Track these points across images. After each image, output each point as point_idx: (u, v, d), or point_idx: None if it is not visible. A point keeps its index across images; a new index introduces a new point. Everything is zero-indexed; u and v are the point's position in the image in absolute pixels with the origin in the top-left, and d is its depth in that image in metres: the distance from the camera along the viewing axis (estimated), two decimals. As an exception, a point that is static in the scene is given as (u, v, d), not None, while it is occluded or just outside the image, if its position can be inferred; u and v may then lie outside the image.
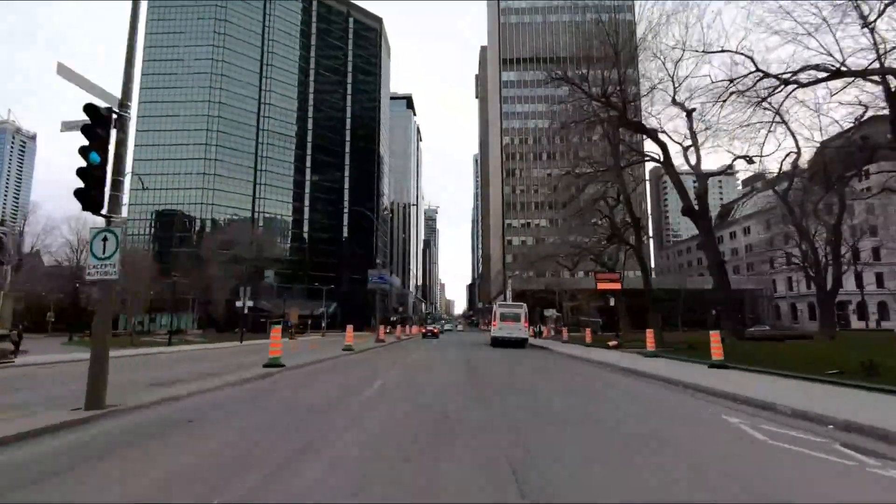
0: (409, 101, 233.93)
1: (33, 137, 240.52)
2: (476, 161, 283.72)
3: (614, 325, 45.67)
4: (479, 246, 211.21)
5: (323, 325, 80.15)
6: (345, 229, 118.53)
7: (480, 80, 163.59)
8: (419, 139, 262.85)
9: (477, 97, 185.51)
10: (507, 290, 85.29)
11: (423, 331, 66.44)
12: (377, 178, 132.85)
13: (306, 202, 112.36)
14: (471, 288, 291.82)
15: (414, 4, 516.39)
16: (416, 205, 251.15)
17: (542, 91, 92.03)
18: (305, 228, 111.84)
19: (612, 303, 36.85)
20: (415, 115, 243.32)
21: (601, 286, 28.37)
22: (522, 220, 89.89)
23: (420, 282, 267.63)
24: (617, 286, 28.08)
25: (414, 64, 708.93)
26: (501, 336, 33.42)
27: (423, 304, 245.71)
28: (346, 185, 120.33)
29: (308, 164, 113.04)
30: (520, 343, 32.44)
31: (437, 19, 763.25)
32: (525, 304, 37.50)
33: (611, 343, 25.63)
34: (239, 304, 38.51)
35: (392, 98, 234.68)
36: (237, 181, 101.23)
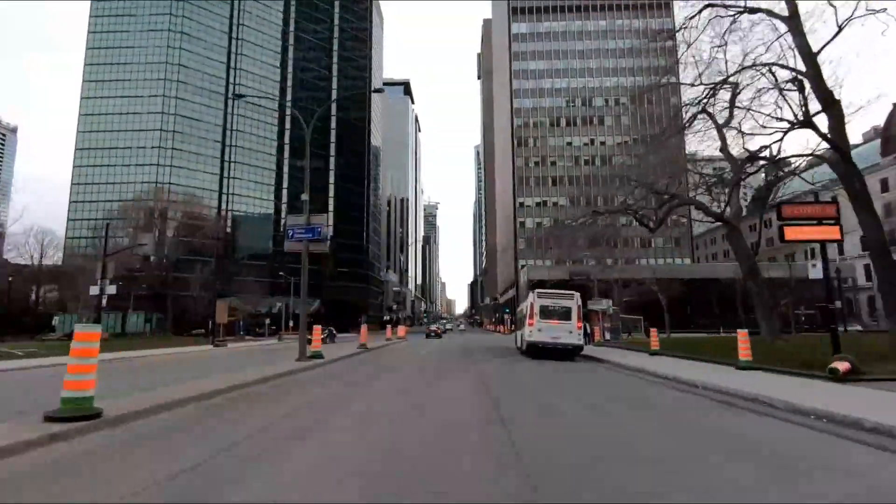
0: (406, 87, 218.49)
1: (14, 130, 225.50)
2: (477, 153, 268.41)
3: (657, 323, 31.16)
4: (483, 240, 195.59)
5: (291, 324, 64.25)
6: (330, 218, 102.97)
7: (483, 56, 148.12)
8: (418, 129, 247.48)
9: (479, 77, 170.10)
10: (519, 281, 69.69)
11: (427, 331, 58.87)
12: (368, 162, 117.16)
13: (284, 185, 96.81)
14: (473, 286, 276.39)
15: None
16: (415, 198, 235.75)
17: (560, 44, 76.66)
18: (284, 215, 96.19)
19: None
20: (413, 102, 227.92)
21: (795, 234, 12.28)
22: (537, 199, 74.44)
23: (420, 280, 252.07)
24: (833, 233, 12.07)
25: (413, 59, 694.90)
26: (544, 342, 21.46)
27: (423, 303, 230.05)
28: (332, 168, 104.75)
29: (286, 140, 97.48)
30: (571, 352, 21.06)
31: (437, 10, 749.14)
32: (577, 294, 22.33)
33: (840, 366, 9.81)
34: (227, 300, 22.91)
35: (388, 84, 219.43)
36: (201, 157, 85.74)
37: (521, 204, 74.72)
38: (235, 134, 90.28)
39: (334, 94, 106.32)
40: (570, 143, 75.50)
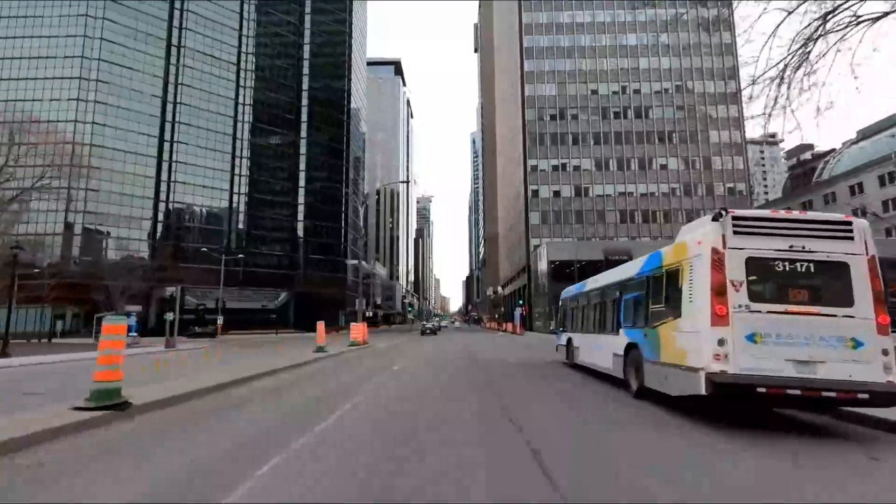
0: (397, 67, 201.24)
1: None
2: (473, 141, 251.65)
3: None
4: (480, 231, 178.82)
5: (219, 322, 47.34)
6: (301, 207, 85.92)
7: (481, 23, 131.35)
8: (410, 114, 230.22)
9: (476, 50, 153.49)
10: (533, 264, 53.07)
11: (423, 328, 53.04)
12: (347, 140, 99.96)
13: (244, 167, 79.52)
14: (468, 282, 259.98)
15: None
16: (407, 186, 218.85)
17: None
18: (243, 195, 78.94)
19: None
20: (404, 84, 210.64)
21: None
22: (554, 161, 57.91)
23: (413, 276, 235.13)
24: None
25: (405, 45, 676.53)
26: (782, 377, 5.71)
27: (416, 299, 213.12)
28: (303, 151, 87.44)
29: (247, 109, 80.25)
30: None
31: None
32: (862, 224, 3.83)
33: None
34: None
35: (376, 63, 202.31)
36: (135, 115, 68.39)
37: (534, 168, 58.14)
38: (181, 90, 72.98)
39: (307, 67, 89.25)
40: (594, 92, 58.88)
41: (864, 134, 71.82)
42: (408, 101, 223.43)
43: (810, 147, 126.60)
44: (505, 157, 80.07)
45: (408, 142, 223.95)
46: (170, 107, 71.95)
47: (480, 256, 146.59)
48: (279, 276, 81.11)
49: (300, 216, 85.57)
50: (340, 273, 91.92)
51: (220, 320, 46.28)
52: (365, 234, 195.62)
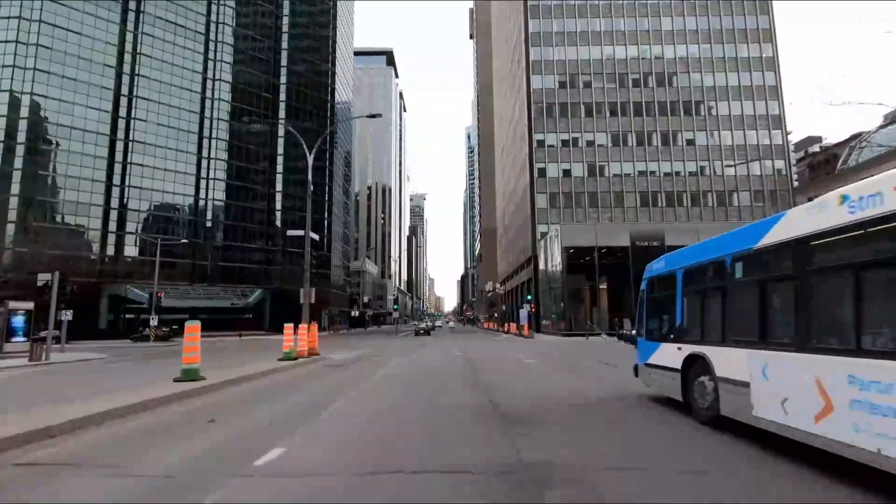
0: (389, 57, 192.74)
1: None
2: (468, 136, 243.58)
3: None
4: (476, 227, 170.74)
5: (153, 324, 38.68)
6: (279, 196, 77.21)
7: (477, 5, 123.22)
8: (403, 108, 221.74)
9: (472, 37, 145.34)
10: (542, 253, 44.87)
11: (417, 329, 49.86)
12: (331, 124, 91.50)
13: (214, 149, 70.75)
14: (463, 281, 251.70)
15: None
16: (400, 184, 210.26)
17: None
18: (213, 181, 70.15)
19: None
20: (396, 76, 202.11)
21: None
22: (563, 135, 49.62)
23: (406, 275, 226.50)
24: None
25: (398, 38, 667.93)
26: None
27: (409, 298, 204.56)
28: (281, 134, 78.72)
29: (218, 86, 71.48)
30: None
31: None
32: None
33: None
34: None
35: (367, 53, 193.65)
36: (83, 86, 59.46)
37: (541, 143, 49.88)
38: (140, 60, 64.11)
39: (286, 41, 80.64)
40: (610, 57, 50.75)
41: (894, 118, 64.24)
42: (400, 94, 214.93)
43: (818, 140, 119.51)
44: (505, 139, 71.85)
45: (401, 136, 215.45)
46: (126, 79, 63.08)
47: (476, 252, 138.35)
48: (253, 272, 72.34)
49: (277, 205, 76.91)
50: (324, 269, 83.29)
51: (153, 321, 37.50)
52: (356, 230, 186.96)
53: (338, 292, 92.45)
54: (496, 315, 61.44)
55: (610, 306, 35.50)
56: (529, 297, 37.82)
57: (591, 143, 49.89)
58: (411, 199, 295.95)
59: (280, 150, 78.17)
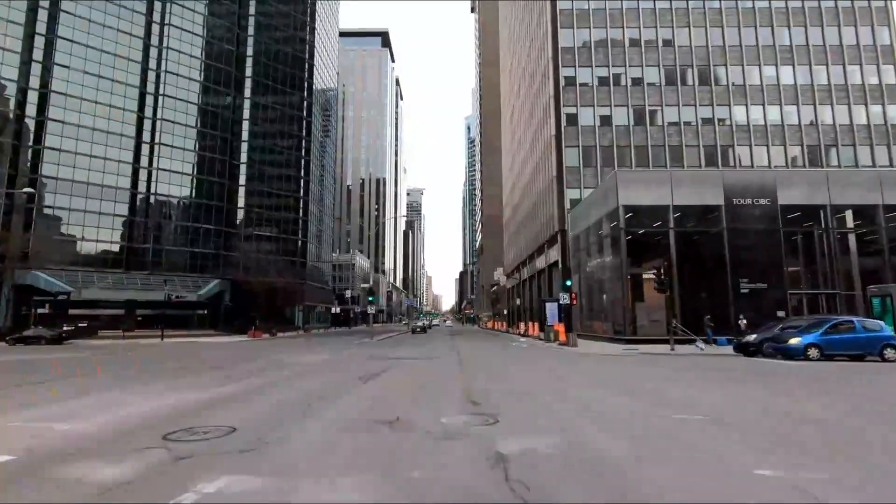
0: (384, 39, 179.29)
1: None
2: (468, 128, 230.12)
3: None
4: (477, 222, 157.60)
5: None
6: (242, 169, 63.80)
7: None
8: (399, 96, 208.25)
9: (473, 10, 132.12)
10: (571, 228, 31.54)
11: (414, 327, 49.73)
12: (307, 107, 78.49)
13: (161, 107, 57.37)
14: (462, 278, 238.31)
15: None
16: (396, 175, 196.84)
17: None
18: (157, 145, 56.71)
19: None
20: (393, 60, 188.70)
21: None
22: (601, 71, 36.26)
23: (402, 272, 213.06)
24: None
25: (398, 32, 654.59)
26: None
27: (404, 295, 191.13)
28: (246, 109, 65.26)
29: (165, 54, 58.05)
30: None
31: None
32: None
33: None
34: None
35: (360, 34, 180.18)
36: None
37: (570, 81, 36.47)
38: (61, 18, 50.72)
39: (252, 6, 67.37)
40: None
41: None
42: (397, 80, 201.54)
43: None
44: (517, 94, 58.55)
45: (397, 125, 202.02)
46: (39, 41, 49.58)
47: (477, 244, 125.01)
48: (207, 258, 58.98)
49: (242, 179, 63.51)
50: (298, 257, 69.96)
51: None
52: (349, 221, 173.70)
53: (318, 286, 79.09)
54: (505, 312, 48.05)
55: (686, 296, 22.47)
56: (569, 282, 24.31)
57: (637, 81, 36.53)
58: (408, 194, 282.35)
59: (245, 114, 64.84)
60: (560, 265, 35.07)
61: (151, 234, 55.03)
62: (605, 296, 25.87)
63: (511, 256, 62.34)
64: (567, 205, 35.23)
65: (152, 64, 56.74)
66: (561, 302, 22.70)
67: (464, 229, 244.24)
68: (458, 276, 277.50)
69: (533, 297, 44.49)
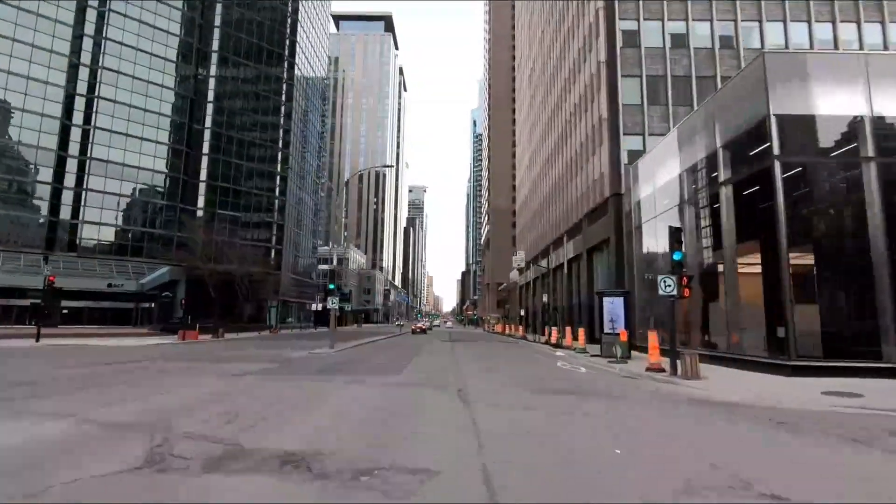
0: (387, 23, 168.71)
1: None
2: (474, 122, 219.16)
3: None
4: (484, 208, 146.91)
5: None
6: (207, 135, 52.88)
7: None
8: (403, 87, 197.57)
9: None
10: (635, 189, 20.18)
11: (414, 328, 47.35)
12: (288, 67, 67.76)
13: (101, 55, 46.59)
14: (464, 278, 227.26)
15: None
16: (398, 167, 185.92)
17: None
18: (94, 106, 45.85)
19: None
20: (396, 48, 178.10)
21: None
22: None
23: (402, 270, 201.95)
24: None
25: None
26: None
27: (402, 294, 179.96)
28: (213, 65, 54.48)
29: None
30: None
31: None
32: None
33: None
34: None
35: (361, 17, 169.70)
36: None
37: (628, -14, 25.61)
38: None
39: None
40: None
41: None
42: (400, 70, 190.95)
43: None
44: (539, 43, 47.58)
45: (399, 116, 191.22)
46: None
47: (482, 238, 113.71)
48: (156, 241, 48.07)
49: (205, 147, 52.54)
50: (273, 244, 58.99)
51: None
52: (346, 215, 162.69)
53: (298, 279, 68.07)
54: (522, 313, 36.81)
55: None
56: (678, 255, 12.99)
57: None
58: (410, 191, 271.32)
59: (213, 70, 53.97)
60: (612, 244, 23.90)
61: (83, 207, 44.11)
62: (724, 292, 14.65)
63: (528, 245, 51.14)
64: (624, 158, 24.09)
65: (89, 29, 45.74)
66: (665, 291, 11.64)
67: (467, 228, 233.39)
68: (459, 277, 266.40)
69: (563, 292, 33.28)
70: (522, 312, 35.87)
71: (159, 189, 47.83)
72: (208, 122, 52.60)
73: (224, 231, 50.62)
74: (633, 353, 18.25)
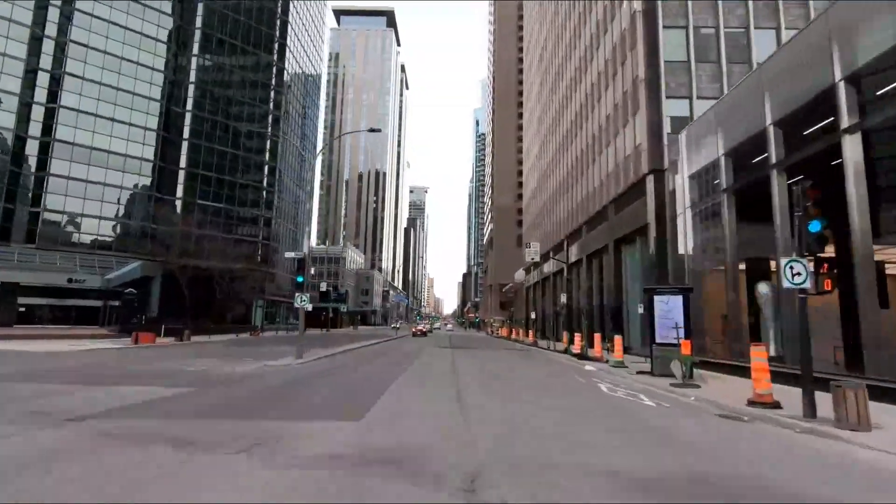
0: (389, 18, 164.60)
1: None
2: (476, 122, 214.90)
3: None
4: (487, 206, 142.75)
5: None
6: (188, 119, 48.48)
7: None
8: (405, 84, 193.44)
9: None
10: (682, 162, 15.34)
11: (413, 330, 46.71)
12: (279, 49, 63.62)
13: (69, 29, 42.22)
14: (465, 280, 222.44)
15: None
16: (398, 166, 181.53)
17: None
18: (61, 83, 41.48)
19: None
20: (398, 44, 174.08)
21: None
22: None
23: (402, 271, 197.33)
24: None
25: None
26: None
27: (402, 295, 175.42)
28: (196, 42, 50.25)
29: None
30: None
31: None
32: None
33: None
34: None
35: (362, 13, 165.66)
36: None
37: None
38: None
39: None
40: None
41: None
42: (402, 67, 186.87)
43: None
44: (554, 14, 43.09)
45: (400, 114, 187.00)
46: None
47: (486, 238, 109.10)
48: (128, 233, 43.57)
49: (185, 132, 48.12)
50: (260, 240, 54.51)
51: None
52: (345, 214, 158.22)
53: (287, 275, 63.51)
54: (532, 317, 32.07)
55: None
56: (817, 225, 8.64)
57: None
58: (411, 192, 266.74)
59: (195, 49, 49.61)
60: (652, 231, 19.31)
61: (45, 193, 39.63)
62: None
63: (541, 238, 46.65)
64: (666, 126, 19.51)
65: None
66: (793, 283, 7.30)
67: (469, 229, 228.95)
68: (460, 280, 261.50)
69: (582, 292, 28.57)
70: (533, 315, 31.18)
71: (132, 175, 43.31)
72: (190, 104, 48.18)
73: (207, 224, 46.12)
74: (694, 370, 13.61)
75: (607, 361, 17.04)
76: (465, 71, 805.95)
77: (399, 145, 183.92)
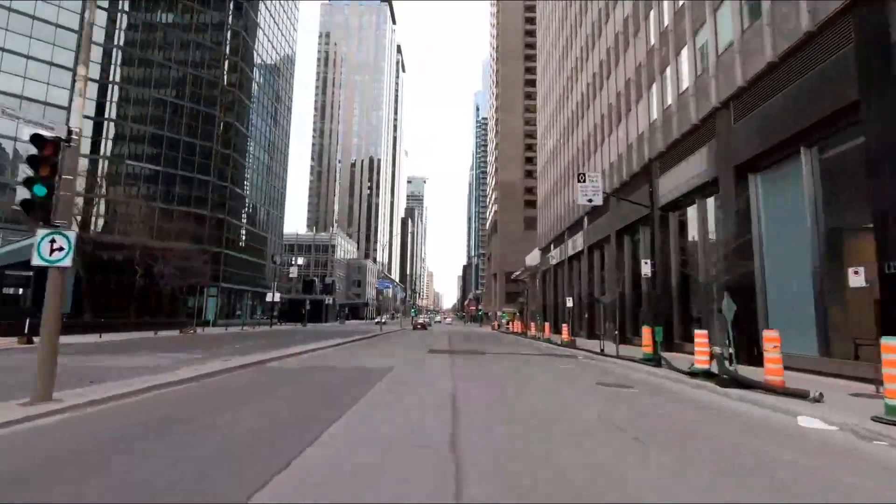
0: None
1: None
2: (477, 108, 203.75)
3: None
4: (488, 189, 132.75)
5: None
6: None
7: None
8: (402, 66, 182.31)
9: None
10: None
11: (415, 324, 46.22)
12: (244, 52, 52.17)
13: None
14: (465, 272, 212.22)
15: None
16: (394, 152, 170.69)
17: None
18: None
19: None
20: (394, 22, 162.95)
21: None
22: None
23: (399, 263, 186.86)
24: None
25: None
26: None
27: (399, 288, 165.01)
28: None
29: None
30: None
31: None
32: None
33: None
34: None
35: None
36: None
37: None
38: None
39: None
40: None
41: None
42: (398, 48, 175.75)
43: None
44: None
45: (397, 97, 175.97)
46: None
47: (489, 221, 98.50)
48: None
49: (111, 73, 37.56)
50: (213, 211, 44.00)
51: None
52: (337, 201, 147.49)
53: (257, 261, 53.07)
54: (570, 307, 21.66)
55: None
56: None
57: None
58: (409, 182, 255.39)
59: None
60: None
61: None
62: None
63: (551, 220, 36.23)
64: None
65: None
66: None
67: (469, 220, 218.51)
68: (460, 273, 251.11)
69: (621, 273, 18.06)
70: (570, 303, 20.91)
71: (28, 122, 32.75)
72: (120, 38, 37.59)
73: (136, 192, 35.74)
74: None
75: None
76: (464, 54, 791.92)
77: (395, 129, 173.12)
